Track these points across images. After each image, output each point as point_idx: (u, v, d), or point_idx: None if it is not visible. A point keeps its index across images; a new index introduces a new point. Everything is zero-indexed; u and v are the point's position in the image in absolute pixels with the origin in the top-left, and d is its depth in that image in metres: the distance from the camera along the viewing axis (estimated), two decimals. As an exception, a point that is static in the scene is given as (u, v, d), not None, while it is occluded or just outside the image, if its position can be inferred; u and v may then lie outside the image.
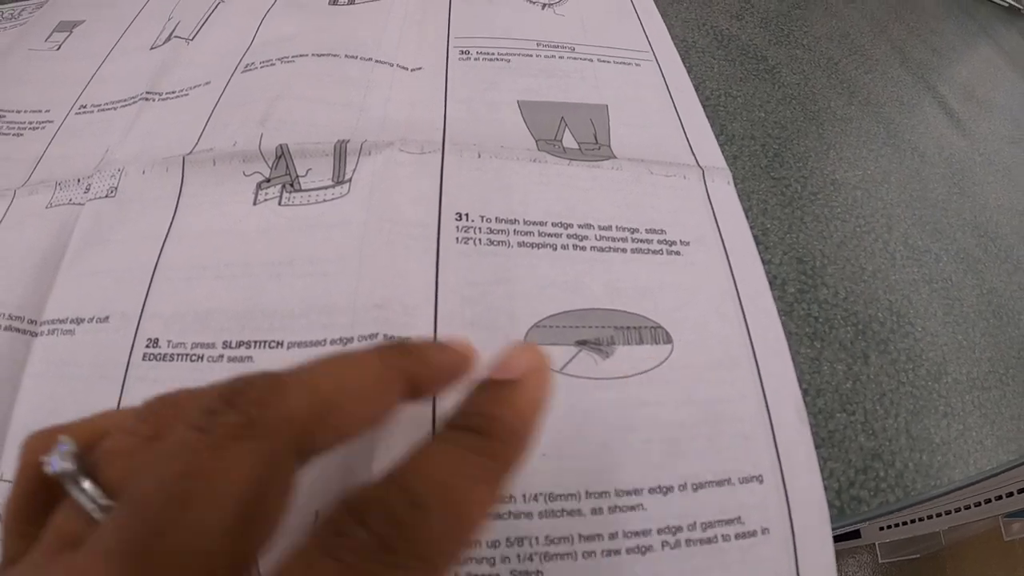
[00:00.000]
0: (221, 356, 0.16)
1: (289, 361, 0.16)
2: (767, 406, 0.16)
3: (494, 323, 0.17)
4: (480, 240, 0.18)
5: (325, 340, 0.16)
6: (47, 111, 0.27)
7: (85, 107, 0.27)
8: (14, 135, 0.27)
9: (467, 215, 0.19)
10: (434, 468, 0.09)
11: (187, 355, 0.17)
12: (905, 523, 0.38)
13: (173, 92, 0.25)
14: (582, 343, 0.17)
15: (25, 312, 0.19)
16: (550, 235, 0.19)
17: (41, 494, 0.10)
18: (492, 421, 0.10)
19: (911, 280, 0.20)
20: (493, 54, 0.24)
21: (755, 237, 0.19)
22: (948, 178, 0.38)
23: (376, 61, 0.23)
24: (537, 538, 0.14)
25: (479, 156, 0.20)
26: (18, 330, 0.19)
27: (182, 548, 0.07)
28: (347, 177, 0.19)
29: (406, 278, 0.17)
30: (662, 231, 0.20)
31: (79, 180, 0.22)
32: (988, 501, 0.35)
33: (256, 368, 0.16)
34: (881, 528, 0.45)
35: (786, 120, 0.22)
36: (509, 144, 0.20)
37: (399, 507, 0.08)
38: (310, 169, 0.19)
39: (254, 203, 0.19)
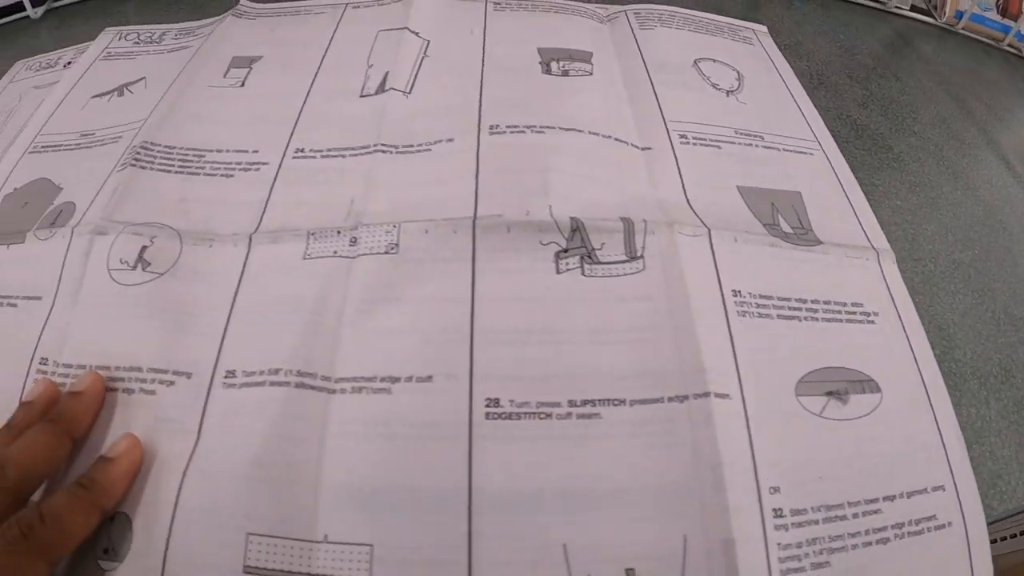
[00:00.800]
0: (569, 414, 0.19)
1: (633, 417, 0.19)
2: (941, 438, 0.22)
3: (770, 383, 0.21)
4: (753, 314, 0.22)
5: (663, 397, 0.19)
6: (255, 151, 0.28)
7: (302, 151, 0.27)
8: (223, 176, 0.27)
9: (740, 291, 0.22)
10: (55, 501, 0.18)
11: (534, 413, 0.19)
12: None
13: (411, 146, 0.26)
14: (829, 393, 0.21)
15: (315, 368, 0.20)
16: (795, 309, 0.23)
17: None
18: (92, 482, 0.18)
19: (1011, 343, 0.27)
20: (706, 139, 0.28)
21: (912, 309, 0.25)
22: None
23: (615, 139, 0.26)
24: (823, 538, 0.18)
25: (735, 240, 0.23)
26: (312, 387, 0.20)
27: None
28: (639, 253, 0.22)
29: (711, 347, 0.20)
30: (861, 304, 0.25)
31: (338, 232, 0.23)
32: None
33: (603, 423, 0.19)
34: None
35: (915, 207, 0.28)
36: (750, 229, 0.24)
37: (35, 519, 0.17)
38: (604, 243, 0.22)
39: (557, 272, 0.22)
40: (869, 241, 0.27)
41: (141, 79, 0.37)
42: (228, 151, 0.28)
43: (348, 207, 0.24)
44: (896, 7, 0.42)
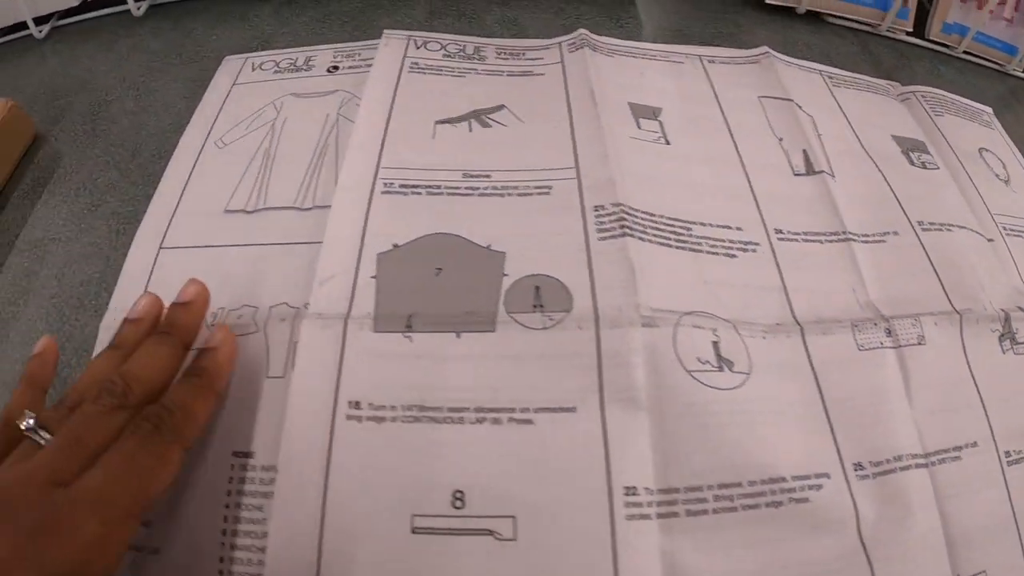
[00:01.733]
0: (1033, 459, 0.30)
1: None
2: None
3: None
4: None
5: None
6: (738, 228, 0.31)
7: (782, 232, 0.31)
8: (725, 255, 0.29)
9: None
10: (176, 392, 0.21)
11: (1015, 461, 0.29)
12: None
13: (867, 236, 0.32)
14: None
15: (913, 449, 0.26)
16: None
17: (5, 436, 0.20)
18: (203, 370, 0.22)
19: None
20: (1019, 230, 0.38)
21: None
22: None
23: (975, 232, 0.35)
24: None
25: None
26: (917, 465, 0.25)
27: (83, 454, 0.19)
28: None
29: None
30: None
31: (874, 323, 0.28)
32: None
33: None
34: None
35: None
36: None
37: (163, 412, 0.20)
38: (1018, 329, 0.32)
39: (1002, 352, 0.31)
40: None
41: (499, 107, 0.35)
42: (711, 225, 0.30)
43: (853, 296, 0.30)
44: (1013, 69, 0.52)
